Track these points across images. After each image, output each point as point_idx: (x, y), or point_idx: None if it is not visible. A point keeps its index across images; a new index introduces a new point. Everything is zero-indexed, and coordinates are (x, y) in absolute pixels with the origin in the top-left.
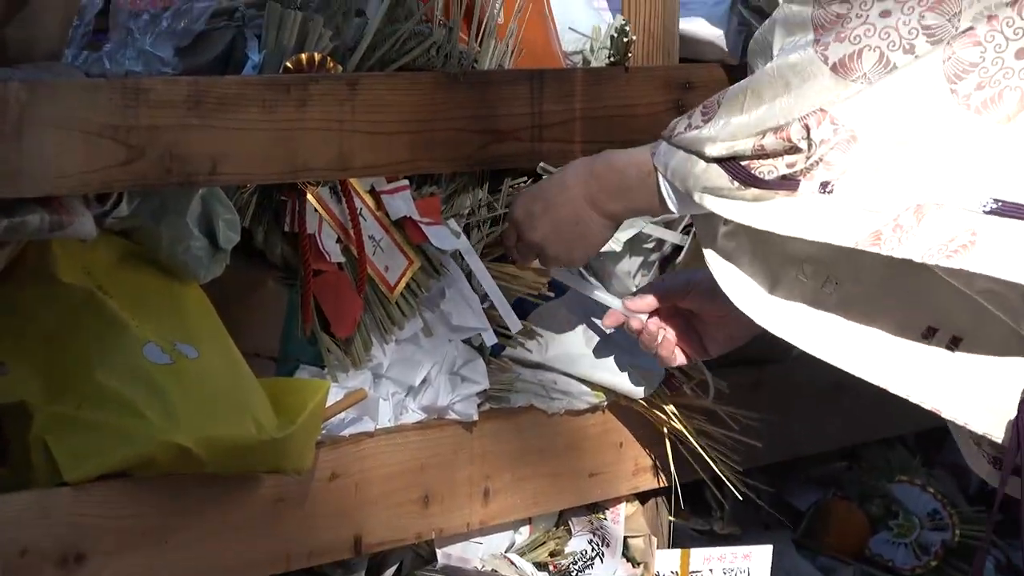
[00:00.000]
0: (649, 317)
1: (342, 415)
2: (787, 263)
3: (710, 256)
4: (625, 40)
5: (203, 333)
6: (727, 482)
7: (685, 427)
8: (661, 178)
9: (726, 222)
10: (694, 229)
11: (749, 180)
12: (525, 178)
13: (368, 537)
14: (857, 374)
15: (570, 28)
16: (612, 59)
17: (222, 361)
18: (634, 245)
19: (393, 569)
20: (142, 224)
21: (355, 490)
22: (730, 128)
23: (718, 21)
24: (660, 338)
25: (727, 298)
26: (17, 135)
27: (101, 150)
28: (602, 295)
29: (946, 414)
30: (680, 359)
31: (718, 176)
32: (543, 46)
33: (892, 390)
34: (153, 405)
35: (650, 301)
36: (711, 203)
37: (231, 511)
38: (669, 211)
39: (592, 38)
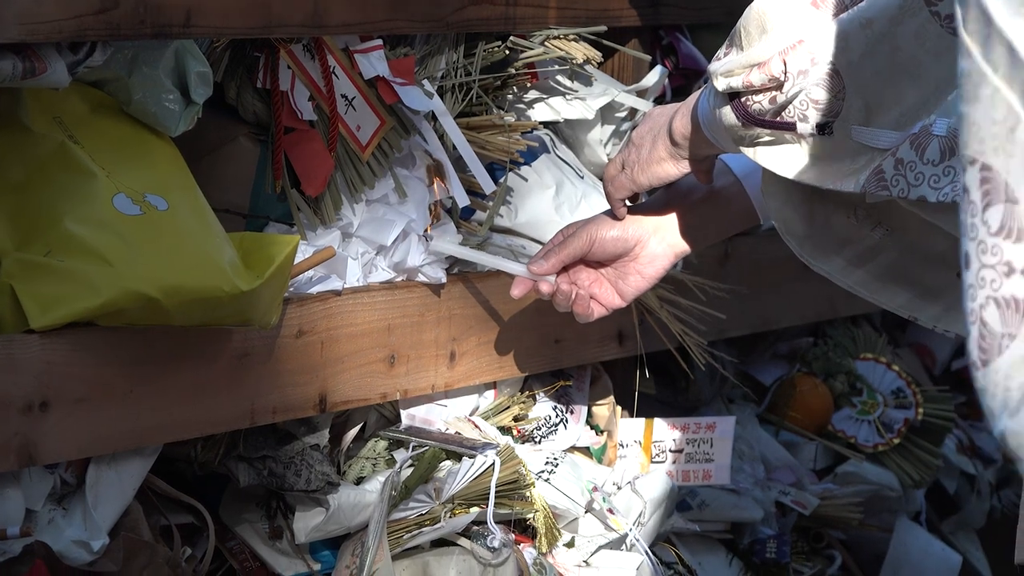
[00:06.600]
0: (557, 276)
1: (310, 273)
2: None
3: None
4: None
5: (174, 185)
6: (692, 353)
7: (652, 296)
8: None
9: None
10: None
11: (748, 119)
12: (499, 43)
13: (333, 396)
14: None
15: None
16: None
17: (192, 214)
18: (606, 114)
19: (356, 429)
20: (115, 75)
21: (321, 348)
22: (727, 62)
23: None
24: (573, 295)
25: (628, 244)
26: None
27: None
28: (504, 263)
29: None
30: (597, 312)
31: (728, 114)
32: None
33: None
34: (121, 254)
35: (555, 263)
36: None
37: (197, 364)
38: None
39: None
